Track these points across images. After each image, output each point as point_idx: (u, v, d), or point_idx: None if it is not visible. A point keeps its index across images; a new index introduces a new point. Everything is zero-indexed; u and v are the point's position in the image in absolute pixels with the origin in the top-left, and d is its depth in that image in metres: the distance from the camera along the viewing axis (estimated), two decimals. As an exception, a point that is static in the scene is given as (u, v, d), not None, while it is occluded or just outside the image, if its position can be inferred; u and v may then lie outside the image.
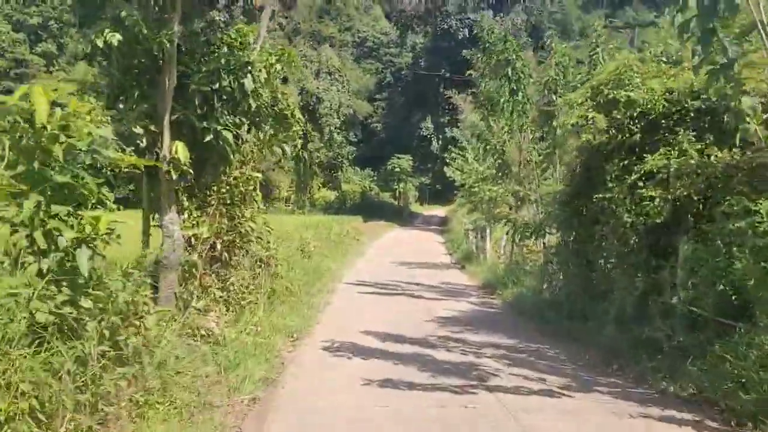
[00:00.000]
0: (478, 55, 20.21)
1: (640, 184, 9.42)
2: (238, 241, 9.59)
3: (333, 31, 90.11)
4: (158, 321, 6.36)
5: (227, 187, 9.31)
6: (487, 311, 13.52)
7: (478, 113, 21.79)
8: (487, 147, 18.66)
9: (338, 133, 52.18)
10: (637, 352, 8.21)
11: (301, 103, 51.75)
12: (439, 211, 72.43)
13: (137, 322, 5.63)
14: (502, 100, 16.94)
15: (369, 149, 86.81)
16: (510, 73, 17.29)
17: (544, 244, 14.29)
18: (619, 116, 10.16)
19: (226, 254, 9.29)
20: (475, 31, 23.58)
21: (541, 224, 13.00)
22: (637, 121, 9.98)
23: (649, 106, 9.80)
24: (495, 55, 17.68)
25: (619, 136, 10.17)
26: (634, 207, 9.49)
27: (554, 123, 15.33)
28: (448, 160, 28.21)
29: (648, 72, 10.58)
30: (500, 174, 19.42)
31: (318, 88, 51.33)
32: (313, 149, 51.75)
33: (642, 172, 9.36)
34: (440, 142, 49.30)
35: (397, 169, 64.02)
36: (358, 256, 27.00)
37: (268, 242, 12.45)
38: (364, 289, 16.29)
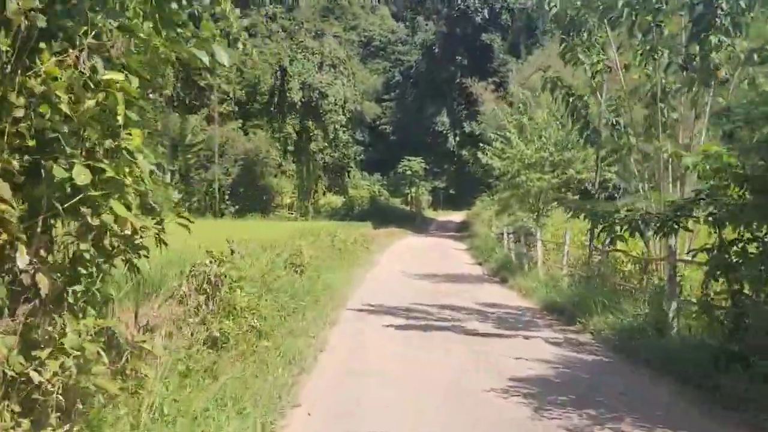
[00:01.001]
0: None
1: None
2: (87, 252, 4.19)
3: (338, 30, 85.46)
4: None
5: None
6: (590, 362, 8.20)
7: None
8: (568, 98, 12.60)
9: (344, 132, 47.14)
10: None
11: (303, 99, 46.89)
12: (454, 216, 67.16)
13: None
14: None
15: (378, 153, 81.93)
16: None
17: (671, 247, 8.93)
18: None
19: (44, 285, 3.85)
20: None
21: (678, 212, 7.57)
22: None
23: None
24: None
25: None
26: None
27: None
28: (481, 148, 22.79)
29: None
30: (584, 141, 13.59)
31: (321, 82, 46.34)
32: (316, 149, 46.71)
33: None
34: (457, 138, 44.25)
35: (409, 172, 58.94)
36: (369, 268, 21.82)
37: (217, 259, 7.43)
38: (377, 319, 11.08)
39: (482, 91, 39.35)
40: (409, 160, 59.43)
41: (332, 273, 16.95)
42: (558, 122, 16.62)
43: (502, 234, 24.45)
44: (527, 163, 17.12)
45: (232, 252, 9.00)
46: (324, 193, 55.70)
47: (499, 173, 19.97)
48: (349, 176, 64.46)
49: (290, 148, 46.75)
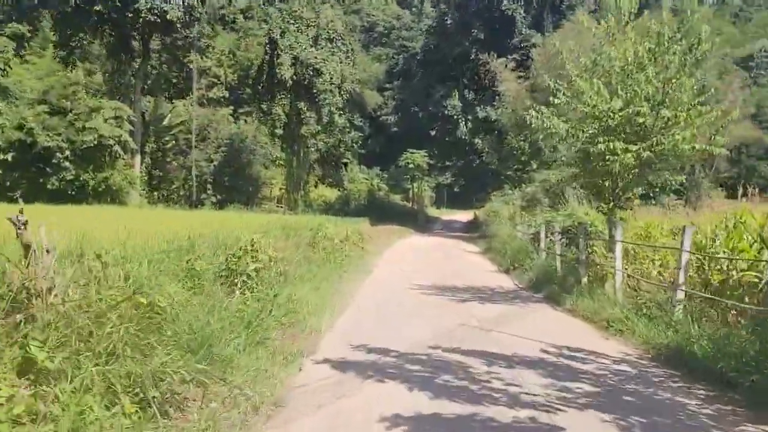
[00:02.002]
0: None
1: None
2: None
3: (337, 14, 79.78)
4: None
5: None
6: None
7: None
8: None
9: (340, 115, 41.41)
10: None
11: (294, 77, 41.21)
12: (459, 215, 61.53)
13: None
14: None
15: (378, 145, 76.50)
16: None
17: None
18: None
19: None
20: None
21: None
22: None
23: None
24: None
25: None
26: None
27: None
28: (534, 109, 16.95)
29: None
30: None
31: (316, 57, 40.61)
32: (307, 134, 41.01)
33: None
34: (469, 124, 38.61)
35: (411, 165, 53.30)
36: (362, 277, 16.24)
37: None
38: (372, 398, 5.41)
39: (501, 69, 33.72)
40: (411, 153, 54.00)
41: (306, 286, 11.35)
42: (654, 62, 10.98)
43: (538, 234, 18.78)
44: (608, 125, 11.41)
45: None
46: (316, 185, 49.98)
47: (557, 142, 14.17)
48: (346, 169, 58.88)
49: (279, 132, 41.08)
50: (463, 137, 38.09)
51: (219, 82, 72.41)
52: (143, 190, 41.18)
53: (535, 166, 32.37)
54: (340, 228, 24.70)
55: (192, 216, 23.84)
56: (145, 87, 60.63)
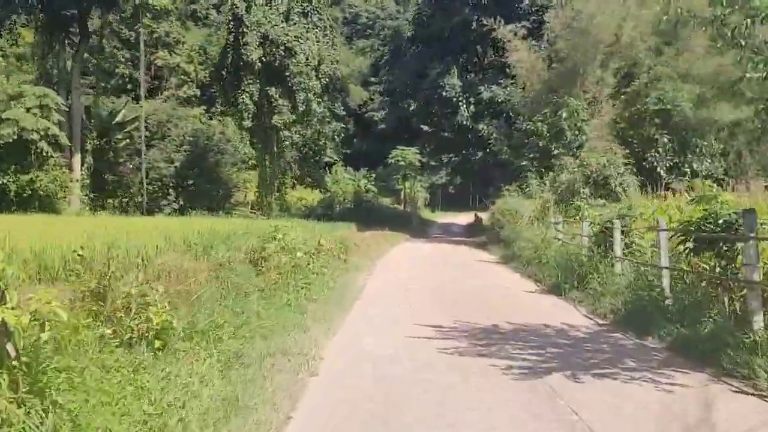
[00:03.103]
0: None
1: None
2: None
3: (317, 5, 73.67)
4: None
5: None
6: None
7: None
8: None
9: (318, 102, 35.14)
10: None
11: (264, 58, 34.93)
12: (457, 218, 55.32)
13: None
14: None
15: (365, 144, 70.28)
16: None
17: None
18: None
19: None
20: None
21: None
22: None
23: None
24: None
25: None
26: None
27: None
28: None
29: None
30: None
31: (288, 35, 34.35)
32: (280, 124, 34.69)
33: None
34: (471, 107, 32.37)
35: (402, 163, 47.08)
36: (336, 318, 9.82)
37: None
38: None
39: (510, 38, 27.66)
40: (401, 150, 47.81)
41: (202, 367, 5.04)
42: None
43: (603, 234, 12.49)
44: None
45: None
46: (294, 186, 43.61)
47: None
48: (330, 170, 52.44)
49: (247, 123, 34.79)
50: (465, 123, 31.95)
51: (189, 80, 65.96)
52: (86, 195, 34.62)
53: (555, 152, 26.39)
54: (313, 235, 18.53)
55: (102, 223, 17.44)
56: (98, 81, 54.38)
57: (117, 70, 63.02)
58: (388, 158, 48.22)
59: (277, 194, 37.49)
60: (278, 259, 10.61)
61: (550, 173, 20.60)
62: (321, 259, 14.50)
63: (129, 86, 59.25)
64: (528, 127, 26.81)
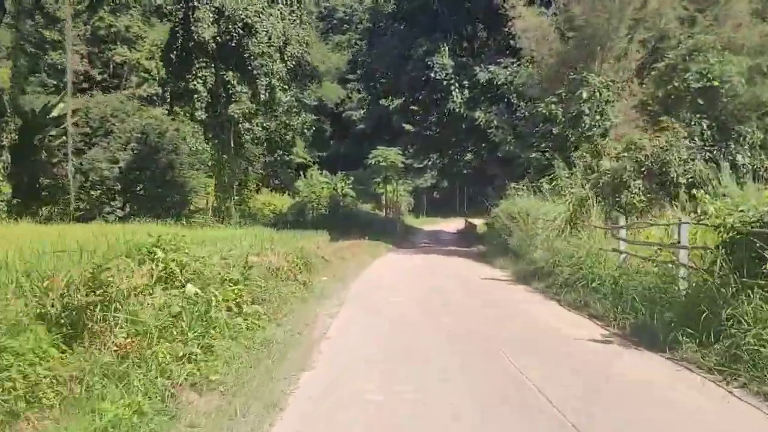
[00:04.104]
0: None
1: None
2: None
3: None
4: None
5: None
6: None
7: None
8: None
9: (284, 90, 29.76)
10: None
11: (218, 38, 29.47)
12: (444, 225, 50.17)
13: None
14: None
15: (342, 146, 65.03)
16: None
17: None
18: None
19: None
20: None
21: None
22: None
23: None
24: None
25: None
26: None
27: None
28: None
29: None
30: None
31: (246, 9, 28.94)
32: (238, 114, 29.21)
33: None
34: (466, 91, 27.11)
35: (383, 164, 41.89)
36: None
37: None
38: None
39: (514, 2, 22.51)
40: (383, 150, 42.64)
41: None
42: None
43: (747, 250, 7.19)
44: None
45: None
46: (258, 189, 37.96)
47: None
48: (305, 175, 46.59)
49: (199, 114, 29.30)
50: (457, 111, 26.74)
51: (150, 77, 60.25)
52: (1, 200, 28.77)
53: (572, 138, 21.33)
54: (271, 247, 13.31)
55: None
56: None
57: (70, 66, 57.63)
58: (368, 158, 43.05)
59: (237, 198, 31.88)
60: (139, 304, 5.16)
61: (579, 164, 15.42)
62: (259, 286, 9.10)
63: (85, 85, 53.66)
64: (540, 110, 21.68)
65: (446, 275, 17.18)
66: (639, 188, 13.31)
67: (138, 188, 36.79)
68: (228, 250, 11.00)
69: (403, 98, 34.11)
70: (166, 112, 46.54)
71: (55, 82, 57.30)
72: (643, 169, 13.39)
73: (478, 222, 39.49)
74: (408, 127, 58.18)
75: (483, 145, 29.54)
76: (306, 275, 14.04)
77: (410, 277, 16.47)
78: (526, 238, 19.57)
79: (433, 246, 32.80)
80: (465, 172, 39.30)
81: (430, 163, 53.41)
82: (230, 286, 7.62)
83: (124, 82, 61.82)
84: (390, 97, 46.19)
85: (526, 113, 23.95)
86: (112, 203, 35.38)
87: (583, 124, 21.52)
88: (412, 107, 36.17)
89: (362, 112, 63.35)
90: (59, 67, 55.27)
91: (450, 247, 31.64)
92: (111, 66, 63.45)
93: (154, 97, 55.12)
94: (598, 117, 21.51)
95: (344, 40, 69.73)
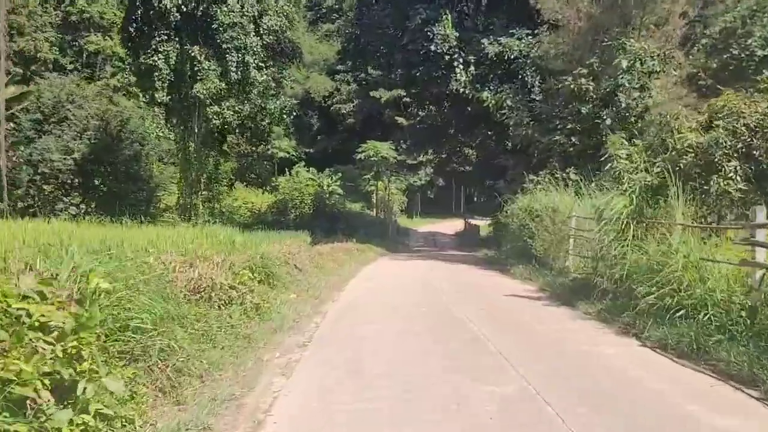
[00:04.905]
0: None
1: None
2: None
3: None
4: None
5: None
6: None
7: None
8: None
9: (260, 68, 25.60)
10: None
11: (182, 7, 25.25)
12: (441, 226, 46.12)
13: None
14: None
15: (331, 143, 60.74)
16: None
17: None
18: None
19: None
20: None
21: None
22: None
23: None
24: None
25: None
26: None
27: None
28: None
29: None
30: None
31: (214, -29, 24.78)
32: (205, 94, 25.04)
33: None
34: (471, 67, 22.76)
35: (374, 158, 37.99)
36: None
37: None
38: None
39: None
40: (374, 144, 38.70)
41: None
42: None
43: None
44: None
45: None
46: (232, 185, 33.72)
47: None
48: (290, 173, 42.02)
49: (161, 96, 25.09)
50: (461, 91, 22.51)
51: (125, 66, 56.00)
52: None
53: (606, 119, 17.40)
54: (219, 254, 9.29)
55: None
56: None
57: (39, 54, 53.41)
58: (358, 153, 38.99)
59: (206, 194, 27.62)
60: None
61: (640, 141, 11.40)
62: (133, 336, 4.93)
63: (55, 74, 49.28)
64: (567, 84, 17.64)
65: (458, 291, 13.06)
66: (735, 171, 9.32)
67: (97, 182, 32.47)
68: (142, 260, 6.92)
69: (397, 75, 29.39)
70: (145, 102, 42.31)
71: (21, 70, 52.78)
72: (740, 146, 9.41)
73: (481, 223, 35.54)
74: (401, 120, 54.19)
75: (489, 132, 25.44)
76: (264, 293, 9.91)
77: (410, 295, 12.31)
78: (554, 241, 15.54)
79: (431, 250, 28.75)
80: (462, 169, 35.14)
81: (425, 159, 49.30)
82: (44, 344, 3.49)
83: (98, 73, 57.63)
84: (381, 89, 42.02)
85: (547, 90, 19.87)
86: (65, 199, 31.01)
87: (618, 103, 17.55)
88: (405, 97, 31.85)
89: (352, 105, 59.16)
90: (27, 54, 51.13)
91: (451, 251, 27.55)
92: (84, 55, 59.18)
93: (130, 87, 50.84)
94: (636, 94, 17.55)
95: (333, 28, 65.48)
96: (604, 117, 17.34)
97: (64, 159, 30.75)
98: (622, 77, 16.98)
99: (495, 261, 20.02)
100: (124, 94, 49.30)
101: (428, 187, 56.81)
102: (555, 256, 15.20)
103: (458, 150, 31.86)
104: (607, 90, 17.63)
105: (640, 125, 17.55)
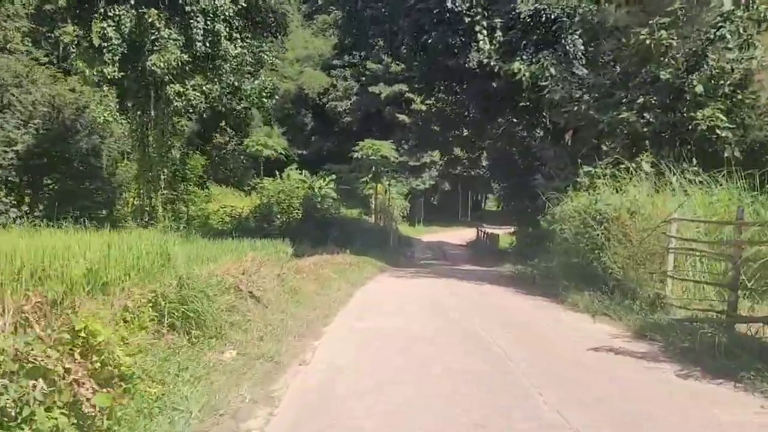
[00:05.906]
0: None
1: None
2: None
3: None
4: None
5: None
6: None
7: None
8: None
9: (233, 39, 20.72)
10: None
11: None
12: (447, 235, 41.15)
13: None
14: None
15: (326, 144, 55.82)
16: None
17: None
18: None
19: None
20: None
21: None
22: None
23: None
24: None
25: None
26: None
27: None
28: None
29: None
30: None
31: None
32: (162, 67, 20.14)
33: None
34: (498, 33, 17.80)
35: (373, 156, 33.63)
36: None
37: None
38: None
39: None
40: (373, 143, 34.31)
41: None
42: None
43: None
44: None
45: None
46: (203, 184, 28.71)
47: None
48: (281, 176, 36.67)
49: (110, 71, 20.30)
50: (485, 62, 17.58)
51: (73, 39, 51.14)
52: None
53: (696, 87, 12.60)
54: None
55: None
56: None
57: (9, 45, 48.64)
58: (354, 151, 34.37)
59: (168, 194, 22.62)
60: None
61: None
62: None
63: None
64: (642, 40, 12.76)
65: (500, 336, 8.02)
66: None
67: (45, 181, 27.53)
68: None
69: (402, 47, 24.26)
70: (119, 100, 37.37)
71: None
72: None
73: (500, 231, 30.59)
74: (403, 117, 49.37)
75: (515, 120, 20.53)
76: (179, 347, 5.00)
77: (429, 346, 7.29)
78: (637, 257, 10.59)
79: (441, 264, 23.74)
80: (472, 173, 30.17)
81: (429, 161, 44.46)
82: None
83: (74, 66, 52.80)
84: (381, 83, 36.84)
85: (603, 54, 15.04)
86: (4, 200, 26.00)
87: (707, 66, 12.73)
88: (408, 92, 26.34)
89: (349, 103, 54.35)
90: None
91: (465, 265, 22.62)
92: (60, 47, 54.40)
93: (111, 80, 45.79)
94: (736, 51, 12.74)
95: (330, 20, 60.81)
96: (694, 84, 12.46)
97: (4, 152, 25.78)
98: (723, 26, 12.14)
99: (528, 279, 15.14)
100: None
101: (432, 192, 51.89)
102: (639, 279, 10.29)
103: (472, 142, 26.87)
104: (696, 49, 12.79)
105: (740, 96, 12.74)
